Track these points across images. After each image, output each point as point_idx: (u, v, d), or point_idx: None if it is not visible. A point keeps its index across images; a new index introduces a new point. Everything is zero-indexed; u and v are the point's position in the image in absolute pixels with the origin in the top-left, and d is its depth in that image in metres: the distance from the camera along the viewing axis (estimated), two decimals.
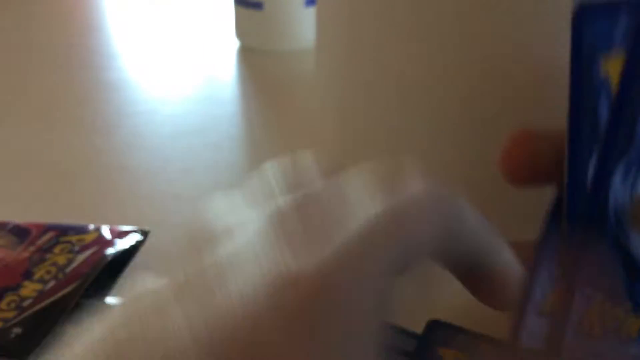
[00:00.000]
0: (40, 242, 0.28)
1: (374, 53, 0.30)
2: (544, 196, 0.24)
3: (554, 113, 0.26)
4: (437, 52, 0.27)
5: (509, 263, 0.18)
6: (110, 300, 0.27)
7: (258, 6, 0.52)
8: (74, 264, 0.26)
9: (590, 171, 0.17)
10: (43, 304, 0.24)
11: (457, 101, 0.27)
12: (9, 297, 0.25)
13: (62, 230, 0.29)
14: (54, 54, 0.54)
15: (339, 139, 0.35)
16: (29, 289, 0.25)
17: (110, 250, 0.27)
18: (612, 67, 0.17)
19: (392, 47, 0.29)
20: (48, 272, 0.26)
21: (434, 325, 0.21)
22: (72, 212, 0.33)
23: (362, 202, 0.15)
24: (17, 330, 0.23)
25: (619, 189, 0.16)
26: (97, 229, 0.29)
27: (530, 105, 0.26)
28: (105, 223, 0.31)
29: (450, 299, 0.24)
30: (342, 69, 0.33)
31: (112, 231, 0.29)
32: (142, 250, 0.30)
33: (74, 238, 0.28)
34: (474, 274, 0.18)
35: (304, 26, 0.53)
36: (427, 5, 0.26)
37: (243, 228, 0.15)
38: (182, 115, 0.44)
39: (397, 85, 0.29)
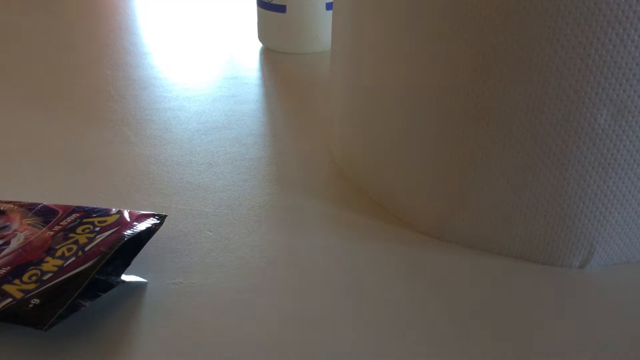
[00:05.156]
0: (65, 222, 0.28)
1: (373, 59, 0.29)
2: None
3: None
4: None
5: None
6: (124, 278, 0.27)
7: (281, 9, 0.51)
8: (93, 243, 0.26)
9: None
10: (61, 279, 0.24)
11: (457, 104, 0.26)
12: (32, 271, 0.25)
13: (87, 212, 0.29)
14: (90, 53, 0.55)
15: (345, 136, 0.35)
16: (50, 264, 0.25)
17: (128, 232, 0.27)
18: None
19: (388, 54, 0.28)
20: (69, 249, 0.26)
21: None
22: (104, 199, 0.33)
23: None
24: (35, 301, 0.23)
25: None
26: (119, 212, 0.28)
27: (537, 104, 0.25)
28: (134, 209, 0.31)
29: None
30: (347, 72, 0.32)
31: (131, 215, 0.28)
32: (163, 233, 0.30)
33: (96, 220, 0.28)
34: None
35: (324, 29, 0.52)
36: (418, 22, 0.25)
37: None
38: (208, 112, 0.44)
39: (394, 90, 0.28)
